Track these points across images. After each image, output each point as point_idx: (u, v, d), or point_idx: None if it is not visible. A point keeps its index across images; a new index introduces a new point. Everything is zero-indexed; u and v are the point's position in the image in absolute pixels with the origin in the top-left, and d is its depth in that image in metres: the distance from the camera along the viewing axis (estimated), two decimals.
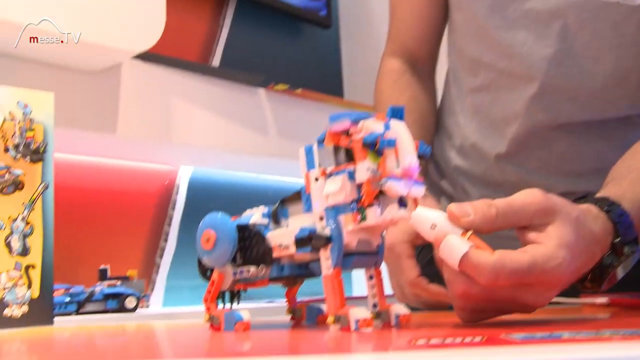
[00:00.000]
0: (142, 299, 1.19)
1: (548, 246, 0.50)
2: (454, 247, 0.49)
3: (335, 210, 0.51)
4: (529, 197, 0.53)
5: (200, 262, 0.61)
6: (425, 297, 0.75)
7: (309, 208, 0.53)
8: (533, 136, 0.86)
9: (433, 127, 1.00)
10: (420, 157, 0.52)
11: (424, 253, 0.82)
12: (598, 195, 0.64)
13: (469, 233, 0.50)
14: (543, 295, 0.52)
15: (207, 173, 1.64)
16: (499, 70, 0.87)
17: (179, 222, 1.54)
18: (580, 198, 0.62)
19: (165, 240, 1.51)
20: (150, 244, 1.49)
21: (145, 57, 1.27)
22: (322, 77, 1.88)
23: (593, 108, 0.84)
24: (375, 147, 0.49)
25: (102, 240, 1.41)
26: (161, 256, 1.51)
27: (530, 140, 0.86)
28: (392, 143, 0.49)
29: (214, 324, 0.57)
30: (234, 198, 1.62)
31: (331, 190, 0.50)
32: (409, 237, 0.77)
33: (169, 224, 1.52)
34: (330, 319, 0.50)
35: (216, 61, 1.63)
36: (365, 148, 0.49)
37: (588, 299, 0.66)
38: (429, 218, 0.51)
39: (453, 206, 0.52)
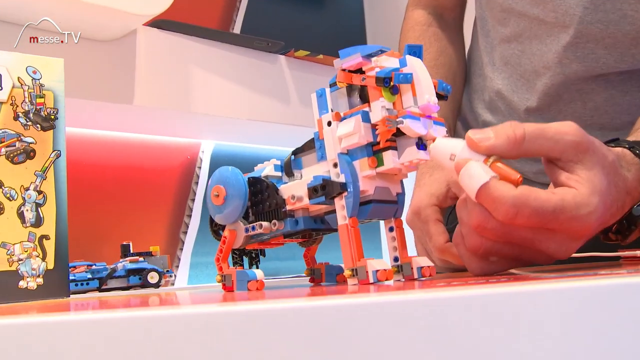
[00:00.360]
0: (165, 274, 1.17)
1: (580, 192, 0.46)
2: (474, 175, 0.45)
3: (349, 155, 0.48)
4: (564, 127, 0.48)
5: (212, 221, 0.58)
6: (454, 264, 0.70)
7: (322, 156, 0.50)
8: (566, 88, 0.81)
9: (462, 83, 0.95)
10: (440, 96, 0.48)
11: (452, 217, 0.78)
12: (630, 138, 0.59)
13: (492, 159, 0.46)
14: (566, 245, 0.47)
15: (229, 147, 1.61)
16: (531, 17, 0.82)
17: (202, 197, 1.51)
18: (610, 141, 0.57)
19: (189, 216, 1.48)
20: (174, 220, 1.47)
21: (162, 24, 1.24)
22: (345, 44, 1.82)
23: (633, 56, 0.78)
24: (391, 82, 0.45)
25: (125, 217, 1.39)
26: (185, 232, 1.48)
27: (563, 92, 0.81)
28: (408, 78, 0.45)
29: (226, 283, 0.54)
30: None
31: (344, 132, 0.47)
32: (436, 200, 0.72)
33: (193, 200, 1.50)
34: (346, 272, 0.46)
35: (236, 29, 1.59)
36: (379, 85, 0.45)
37: (627, 252, 0.61)
38: (448, 147, 0.47)
39: (472, 131, 0.47)
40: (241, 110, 1.41)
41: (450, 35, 0.95)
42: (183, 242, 1.47)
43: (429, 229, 0.71)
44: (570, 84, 0.80)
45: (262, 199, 0.53)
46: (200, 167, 1.54)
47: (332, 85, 0.50)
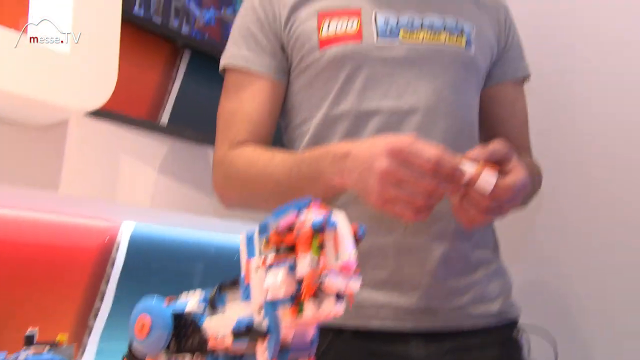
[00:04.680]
0: None
1: None
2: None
3: (274, 304, 0.51)
4: None
5: (130, 351, 0.59)
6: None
7: (247, 297, 0.53)
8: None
9: None
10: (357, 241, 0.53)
11: None
12: None
13: None
14: None
15: (149, 229, 1.60)
16: None
17: (117, 280, 1.49)
18: None
19: (101, 300, 1.45)
20: (84, 304, 1.44)
21: (93, 113, 1.25)
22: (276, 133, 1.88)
23: None
24: (323, 230, 0.49)
25: (33, 301, 1.34)
26: (95, 317, 1.45)
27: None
28: (334, 224, 0.50)
29: None
30: (177, 255, 1.58)
31: (271, 283, 0.50)
32: None
33: (107, 282, 1.47)
34: None
35: (165, 117, 1.60)
36: (317, 233, 0.49)
37: None
38: None
39: None
40: (167, 200, 1.42)
41: None
42: (91, 329, 1.44)
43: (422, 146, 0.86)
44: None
45: (185, 333, 0.55)
46: (117, 250, 1.52)
47: (262, 229, 0.53)
